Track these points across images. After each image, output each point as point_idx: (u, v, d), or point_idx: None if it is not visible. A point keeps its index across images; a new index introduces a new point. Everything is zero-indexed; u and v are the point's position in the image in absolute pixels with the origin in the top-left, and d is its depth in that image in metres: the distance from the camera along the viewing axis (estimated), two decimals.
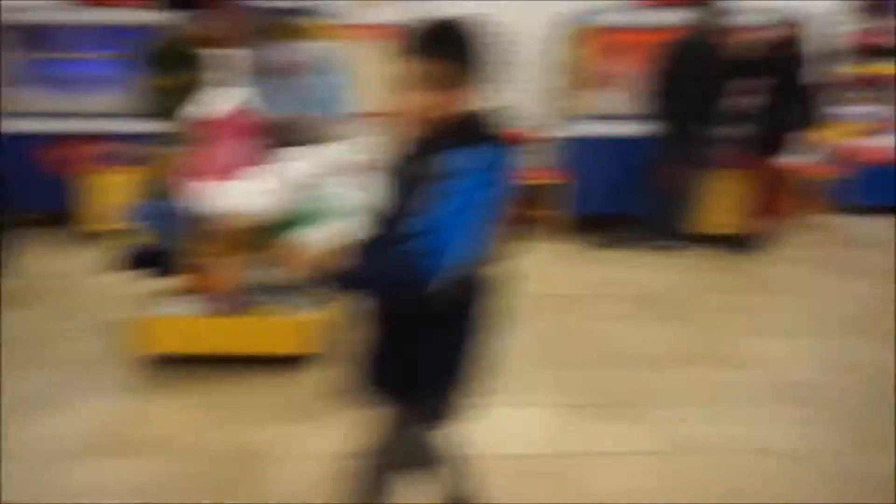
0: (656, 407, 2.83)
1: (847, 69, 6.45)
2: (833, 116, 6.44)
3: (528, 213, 5.60)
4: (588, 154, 5.25)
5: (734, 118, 4.91)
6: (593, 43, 5.20)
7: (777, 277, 4.53)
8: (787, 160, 5.10)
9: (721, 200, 5.12)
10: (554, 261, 4.78)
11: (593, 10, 5.14)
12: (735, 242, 5.04)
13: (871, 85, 6.51)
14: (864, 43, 6.28)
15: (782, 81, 4.61)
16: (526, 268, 4.54)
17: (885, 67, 6.41)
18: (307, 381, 2.93)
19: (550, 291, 4.16)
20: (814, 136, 6.29)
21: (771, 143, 4.82)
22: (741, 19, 5.06)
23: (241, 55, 2.95)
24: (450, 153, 1.30)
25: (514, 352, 3.35)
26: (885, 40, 6.23)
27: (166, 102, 2.80)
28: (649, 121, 4.88)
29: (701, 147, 4.83)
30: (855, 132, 6.17)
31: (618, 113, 5.34)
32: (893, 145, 6.50)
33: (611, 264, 4.70)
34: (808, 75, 4.66)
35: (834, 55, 6.43)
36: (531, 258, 4.88)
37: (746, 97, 4.85)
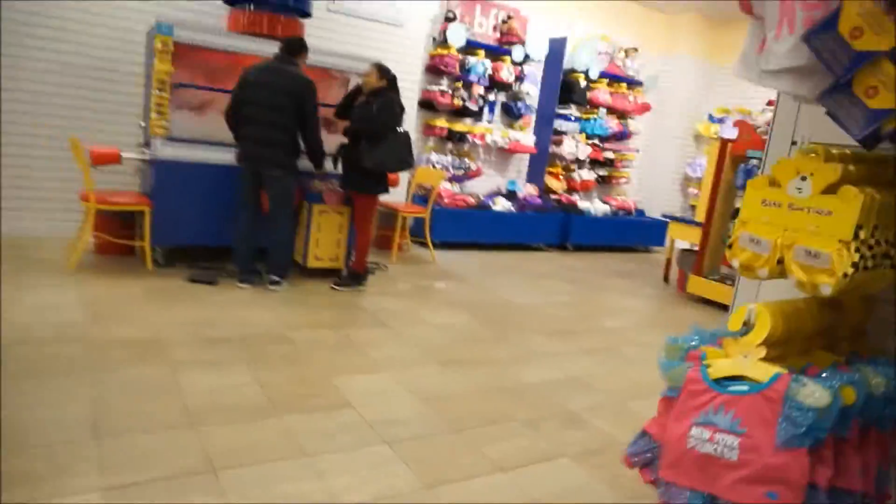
0: (239, 468, 2.32)
1: (429, 122, 7.19)
2: (421, 161, 7.09)
3: (112, 242, 4.67)
4: (174, 180, 4.59)
5: (332, 156, 4.90)
6: (178, 60, 4.61)
7: (377, 311, 4.51)
8: (384, 198, 5.28)
9: (322, 235, 4.99)
10: (134, 300, 3.95)
11: (178, 24, 4.55)
12: (338, 277, 4.96)
13: (450, 138, 7.37)
14: (437, 101, 7.07)
15: (376, 125, 4.70)
16: (97, 310, 3.71)
17: (456, 124, 7.32)
18: None
19: (124, 337, 3.35)
20: (406, 178, 6.81)
21: (369, 181, 4.87)
22: (326, 61, 5.16)
23: None
24: None
25: (56, 424, 2.53)
26: (448, 100, 7.10)
27: None
28: (234, 147, 4.55)
29: (295, 180, 4.63)
30: (437, 177, 6.82)
31: (205, 137, 4.83)
32: (466, 191, 7.43)
33: (201, 302, 4.08)
34: (399, 123, 4.85)
35: (416, 106, 7.11)
36: (105, 297, 4.08)
37: (342, 136, 4.89)
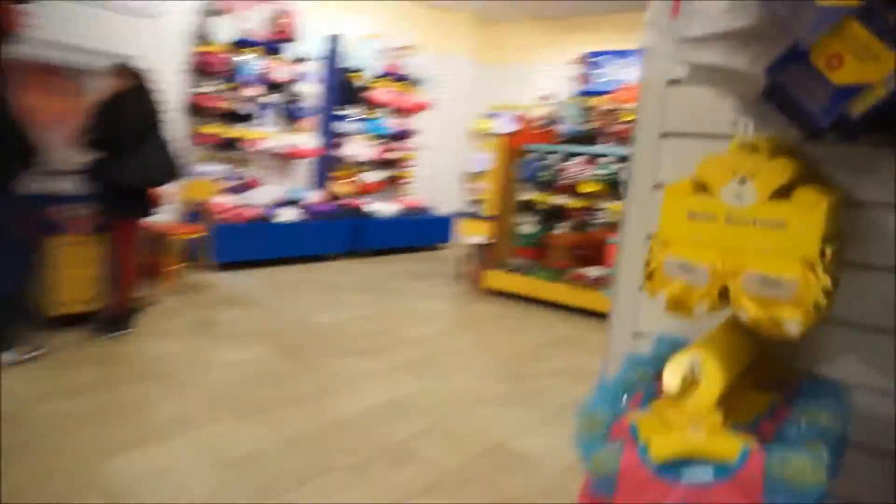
0: None
1: (198, 128, 6.38)
2: (191, 173, 6.25)
3: None
4: None
5: (68, 172, 4.00)
6: None
7: (152, 359, 3.76)
8: (146, 219, 4.46)
9: (70, 272, 4.05)
10: None
11: None
12: (97, 323, 4.06)
13: (223, 146, 6.62)
14: (202, 104, 6.29)
15: (127, 132, 3.92)
16: None
17: (229, 130, 6.60)
18: None
19: None
20: (173, 192, 5.94)
21: (125, 201, 4.06)
22: (59, 57, 4.25)
23: None
24: None
25: None
26: (218, 104, 6.37)
27: None
28: None
29: (14, 204, 3.65)
30: (212, 190, 6.07)
31: None
32: (245, 203, 6.74)
33: None
34: (156, 128, 4.11)
35: (180, 111, 6.26)
36: None
37: (79, 149, 4.00)
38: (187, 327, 4.39)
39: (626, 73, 8.24)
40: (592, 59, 8.70)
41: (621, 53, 8.49)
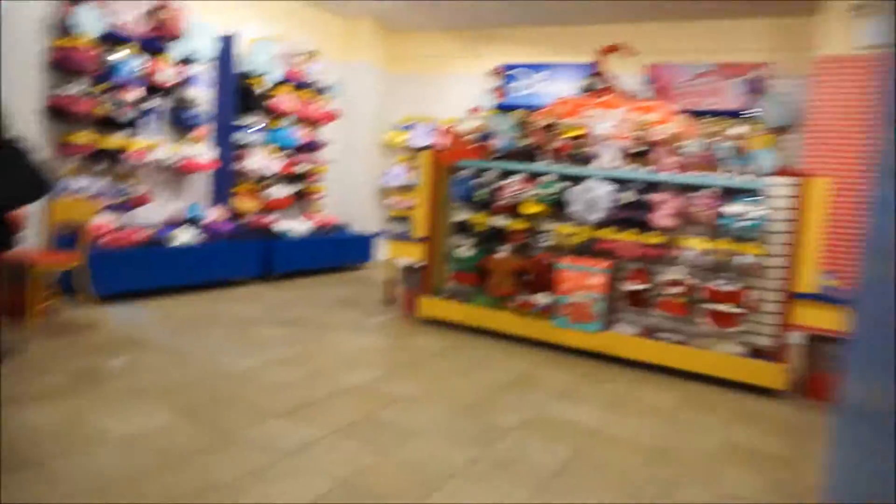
0: None
1: (65, 137, 5.34)
2: (60, 190, 5.21)
3: None
4: None
5: None
6: None
7: (14, 436, 2.84)
8: (6, 249, 3.48)
9: None
10: None
11: None
12: None
13: (100, 157, 5.61)
14: (68, 108, 5.25)
15: None
16: None
17: (106, 138, 5.59)
18: None
19: None
20: (38, 214, 4.88)
21: None
22: None
23: None
24: None
25: None
26: (88, 108, 5.34)
27: None
28: None
29: None
30: (88, 209, 5.05)
31: None
32: (132, 224, 5.76)
33: None
34: (11, 136, 3.18)
35: (37, 115, 5.21)
36: None
37: None
38: (64, 384, 3.45)
39: (545, 87, 7.97)
40: (508, 72, 8.36)
41: (536, 67, 8.21)
